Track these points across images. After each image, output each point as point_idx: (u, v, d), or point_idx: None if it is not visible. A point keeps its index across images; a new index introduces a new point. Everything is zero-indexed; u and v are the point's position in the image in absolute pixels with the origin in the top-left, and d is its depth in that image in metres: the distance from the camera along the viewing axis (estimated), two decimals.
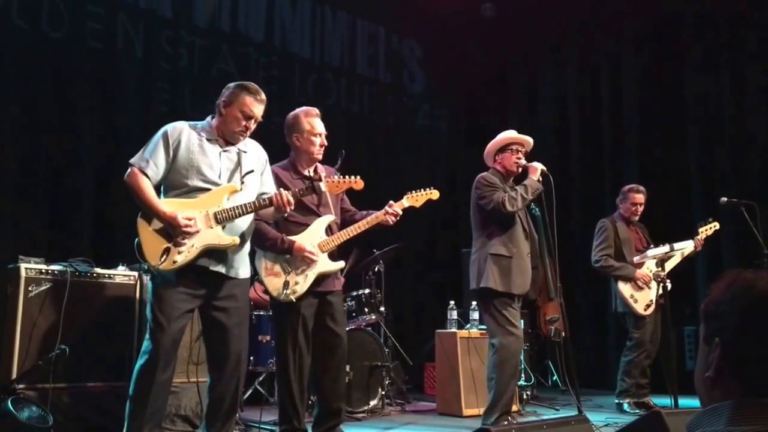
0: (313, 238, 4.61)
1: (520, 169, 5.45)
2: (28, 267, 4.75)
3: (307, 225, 4.65)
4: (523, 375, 7.07)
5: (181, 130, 4.10)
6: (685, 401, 5.59)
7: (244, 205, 4.01)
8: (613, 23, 9.83)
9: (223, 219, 3.96)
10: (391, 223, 4.81)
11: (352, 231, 4.74)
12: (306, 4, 9.28)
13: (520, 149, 5.46)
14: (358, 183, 4.41)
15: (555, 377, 8.58)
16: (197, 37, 8.04)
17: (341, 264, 4.79)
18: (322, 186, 4.24)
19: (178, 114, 6.80)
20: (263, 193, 4.25)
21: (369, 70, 10.03)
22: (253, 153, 4.29)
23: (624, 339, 6.89)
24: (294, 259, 4.55)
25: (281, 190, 4.10)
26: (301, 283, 4.53)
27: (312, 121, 4.74)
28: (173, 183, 4.03)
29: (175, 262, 3.88)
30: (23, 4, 6.58)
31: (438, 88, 10.75)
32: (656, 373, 6.87)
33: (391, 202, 4.82)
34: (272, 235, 4.56)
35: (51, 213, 6.51)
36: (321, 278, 4.63)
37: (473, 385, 6.51)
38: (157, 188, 4.05)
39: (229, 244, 3.97)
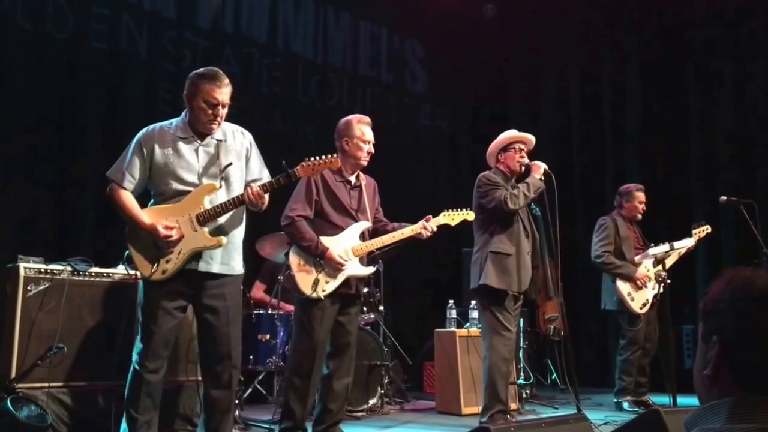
0: (347, 242, 4.69)
1: (523, 168, 5.46)
2: (27, 266, 4.76)
3: (342, 228, 4.73)
4: (522, 374, 7.09)
5: (153, 135, 4.08)
6: (683, 399, 5.60)
7: (225, 203, 3.97)
8: (616, 23, 9.83)
9: (205, 220, 3.95)
10: (425, 237, 4.87)
11: (386, 240, 4.84)
12: (309, 6, 9.30)
13: (522, 148, 5.49)
14: (334, 161, 4.25)
15: (554, 376, 8.58)
16: (201, 38, 8.07)
17: (371, 269, 4.94)
18: (299, 171, 4.13)
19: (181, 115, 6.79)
20: (252, 181, 4.20)
21: (371, 71, 10.04)
22: (234, 139, 4.21)
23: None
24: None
25: (251, 185, 4.05)
26: (331, 283, 4.62)
27: (363, 128, 4.84)
28: (157, 190, 4.06)
29: (165, 271, 3.93)
30: (28, 5, 6.61)
31: (440, 88, 10.75)
32: (655, 371, 6.88)
33: (429, 216, 4.90)
34: (309, 236, 4.61)
35: (51, 212, 6.52)
36: (348, 281, 4.70)
37: (472, 384, 6.52)
38: (146, 195, 4.08)
39: (215, 245, 3.97)
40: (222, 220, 4.04)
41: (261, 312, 6.51)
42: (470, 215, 5.08)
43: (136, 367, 3.94)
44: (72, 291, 4.88)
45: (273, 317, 6.43)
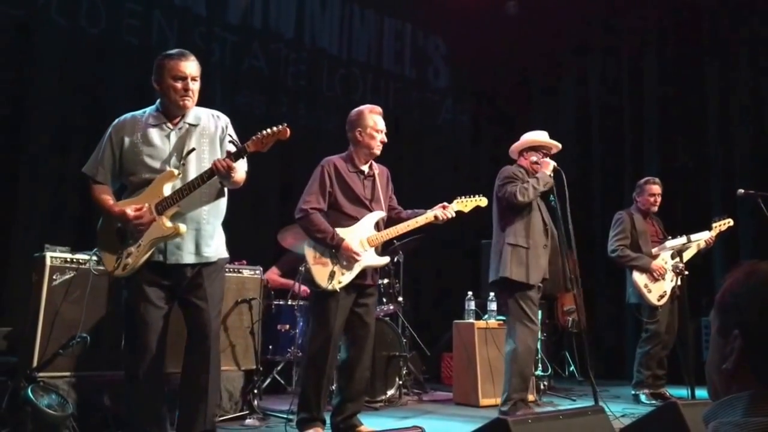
0: (362, 232, 4.73)
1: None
2: (53, 255, 4.74)
3: (357, 218, 4.76)
4: (540, 365, 7.10)
5: (124, 124, 3.97)
6: (702, 392, 5.57)
7: (187, 184, 3.78)
8: (635, 18, 9.82)
9: (164, 208, 3.76)
10: (440, 221, 4.86)
11: (401, 228, 4.85)
12: (335, 2, 9.44)
13: (546, 153, 5.55)
14: (282, 131, 3.85)
15: (572, 368, 8.59)
16: (229, 34, 8.26)
17: (387, 259, 4.94)
18: (249, 146, 3.81)
19: (208, 108, 6.88)
20: None
21: (395, 66, 10.15)
22: (207, 123, 4.04)
23: (641, 330, 6.89)
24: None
25: (219, 158, 3.81)
26: (347, 274, 4.64)
27: (375, 118, 4.90)
28: (128, 181, 3.94)
29: (126, 266, 3.80)
30: (63, 0, 6.84)
31: (462, 83, 10.83)
32: (673, 363, 6.87)
33: (445, 203, 4.92)
34: (324, 228, 4.64)
35: (79, 202, 6.57)
36: (364, 271, 4.73)
37: (490, 375, 6.54)
38: (121, 190, 4.01)
39: (172, 233, 3.75)
40: (187, 207, 3.84)
41: (281, 303, 6.55)
42: (483, 201, 5.09)
43: (131, 363, 3.87)
44: (97, 281, 4.84)
45: (293, 307, 6.48)
